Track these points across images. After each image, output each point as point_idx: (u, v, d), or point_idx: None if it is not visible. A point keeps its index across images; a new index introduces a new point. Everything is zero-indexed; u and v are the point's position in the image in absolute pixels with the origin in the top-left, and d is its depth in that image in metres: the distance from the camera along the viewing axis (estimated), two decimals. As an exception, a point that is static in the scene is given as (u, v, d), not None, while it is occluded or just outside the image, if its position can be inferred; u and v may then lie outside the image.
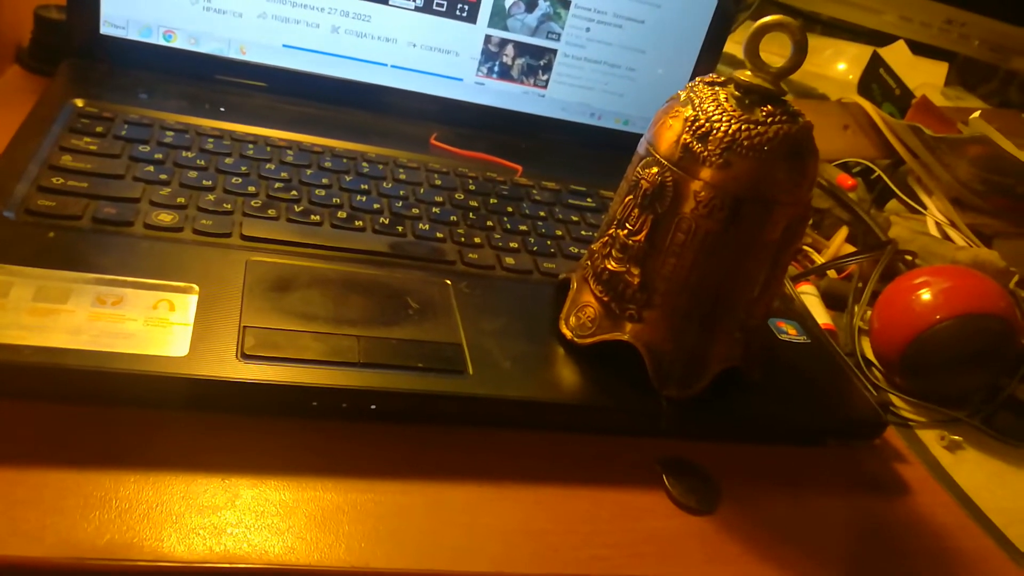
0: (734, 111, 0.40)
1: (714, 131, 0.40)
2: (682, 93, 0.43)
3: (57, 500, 0.33)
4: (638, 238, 0.42)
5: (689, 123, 0.41)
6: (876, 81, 0.81)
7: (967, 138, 0.66)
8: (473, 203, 0.57)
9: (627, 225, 0.43)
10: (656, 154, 0.42)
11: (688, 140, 0.40)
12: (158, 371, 0.36)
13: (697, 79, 0.43)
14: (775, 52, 0.44)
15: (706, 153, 0.40)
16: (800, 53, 0.40)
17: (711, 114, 0.40)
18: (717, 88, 0.42)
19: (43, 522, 0.32)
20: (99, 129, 0.52)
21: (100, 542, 0.32)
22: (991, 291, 0.54)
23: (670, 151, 0.41)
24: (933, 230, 0.70)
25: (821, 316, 0.61)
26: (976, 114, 0.71)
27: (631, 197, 0.43)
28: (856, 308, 0.62)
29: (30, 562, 0.31)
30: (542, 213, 0.59)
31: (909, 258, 0.65)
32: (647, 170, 0.42)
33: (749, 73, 0.41)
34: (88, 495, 0.33)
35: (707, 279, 0.42)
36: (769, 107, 0.41)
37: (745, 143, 0.40)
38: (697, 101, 0.41)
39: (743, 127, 0.40)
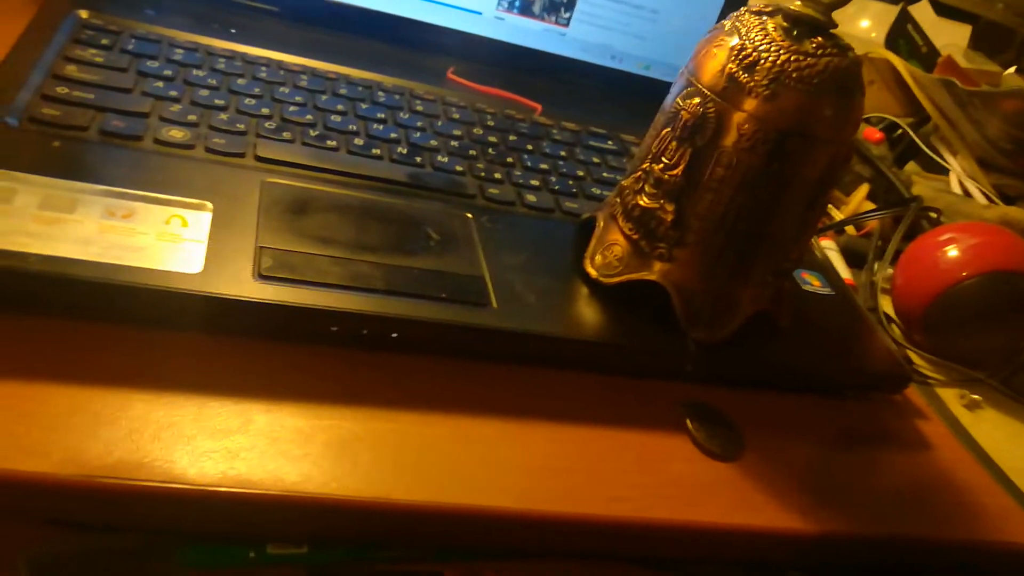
0: (783, 41, 0.38)
1: (761, 61, 0.38)
2: (727, 22, 0.40)
3: (64, 416, 0.31)
4: (675, 172, 0.41)
5: (735, 52, 0.39)
6: (903, 37, 0.78)
7: (1003, 92, 0.64)
8: (492, 139, 0.55)
9: (663, 159, 0.41)
10: (698, 84, 0.40)
11: (733, 70, 0.38)
12: (171, 287, 0.34)
13: (743, 8, 0.41)
14: None
15: (752, 84, 0.38)
16: (855, -18, 0.38)
17: (758, 43, 0.38)
18: (765, 18, 0.40)
19: (49, 438, 0.30)
20: (105, 41, 0.49)
21: (109, 460, 0.30)
22: (1021, 249, 0.53)
23: (713, 81, 0.39)
24: (956, 189, 0.69)
25: (841, 271, 0.59)
26: (1011, 70, 0.69)
27: (668, 129, 0.41)
28: (877, 265, 0.61)
29: (36, 477, 0.29)
30: (563, 153, 0.57)
31: (934, 215, 0.64)
32: (688, 100, 0.40)
33: (799, 3, 0.39)
34: (97, 413, 0.32)
35: (744, 217, 0.40)
36: (819, 39, 0.39)
37: (794, 74, 0.38)
38: (744, 30, 0.39)
39: (792, 58, 0.38)
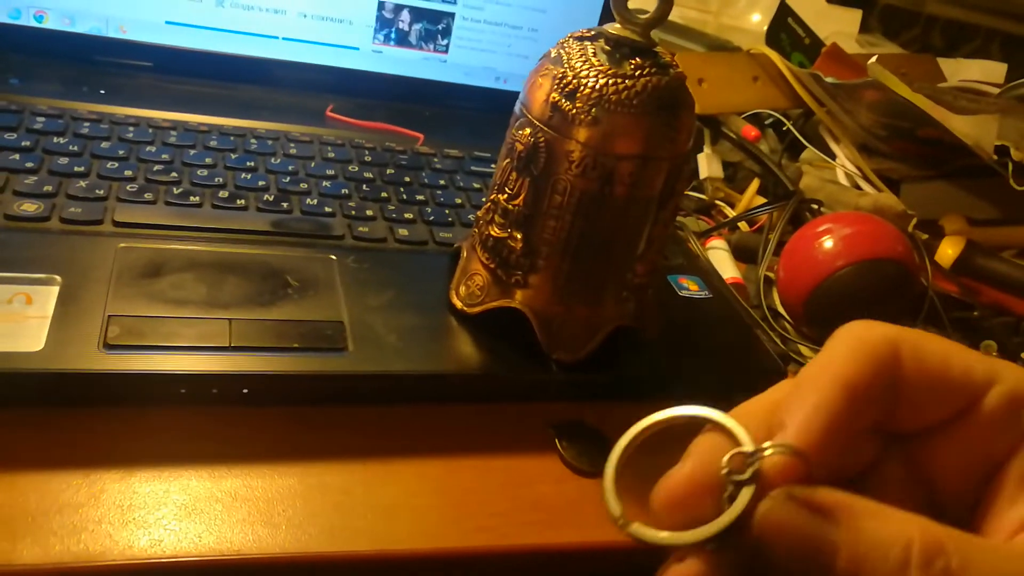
0: (602, 66, 0.39)
1: (582, 88, 0.39)
2: (553, 50, 0.41)
3: (-99, 509, 0.32)
4: (517, 202, 0.41)
5: (558, 81, 0.40)
6: (784, 31, 0.80)
7: (861, 83, 0.66)
8: (368, 175, 0.56)
9: (507, 189, 0.42)
10: (529, 115, 0.41)
11: (557, 99, 0.39)
12: (6, 367, 0.34)
13: (568, 35, 0.42)
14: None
15: (575, 111, 0.39)
16: (666, 2, 0.39)
17: (579, 70, 0.39)
18: (587, 43, 0.41)
19: None
20: (-39, 118, 0.49)
21: (-54, 550, 0.31)
22: (889, 236, 0.55)
23: (541, 111, 0.40)
24: (842, 178, 0.70)
25: (729, 270, 0.61)
26: (874, 59, 0.71)
27: (508, 160, 0.42)
28: (765, 260, 0.62)
29: None
30: (442, 182, 0.58)
31: (815, 207, 0.66)
32: (521, 131, 0.41)
33: (618, 25, 0.40)
34: (-65, 502, 0.32)
35: (588, 240, 0.41)
36: (638, 60, 0.40)
37: (613, 98, 0.39)
38: (566, 57, 0.40)
39: (611, 82, 0.39)
